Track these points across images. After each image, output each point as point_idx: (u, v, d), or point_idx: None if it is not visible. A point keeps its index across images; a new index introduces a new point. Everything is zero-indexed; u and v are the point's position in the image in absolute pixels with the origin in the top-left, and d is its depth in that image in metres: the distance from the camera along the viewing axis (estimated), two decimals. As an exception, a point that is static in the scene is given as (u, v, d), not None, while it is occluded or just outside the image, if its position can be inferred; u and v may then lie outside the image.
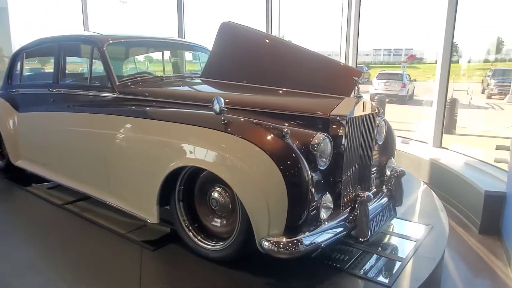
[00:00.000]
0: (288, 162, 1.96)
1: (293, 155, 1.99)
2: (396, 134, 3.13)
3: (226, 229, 2.32)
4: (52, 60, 3.46)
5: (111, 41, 3.04)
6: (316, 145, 2.07)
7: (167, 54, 4.00)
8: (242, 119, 2.20)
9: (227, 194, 2.26)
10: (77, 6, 7.24)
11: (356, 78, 2.47)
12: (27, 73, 4.31)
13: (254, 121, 2.18)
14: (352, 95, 2.48)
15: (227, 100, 2.23)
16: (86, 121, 3.02)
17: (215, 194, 2.29)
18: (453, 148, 4.74)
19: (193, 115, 2.38)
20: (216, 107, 2.10)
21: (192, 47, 4.00)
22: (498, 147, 3.91)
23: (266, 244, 1.93)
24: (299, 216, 1.99)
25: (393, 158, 2.94)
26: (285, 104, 2.56)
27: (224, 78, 3.04)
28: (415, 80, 21.67)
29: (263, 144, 2.00)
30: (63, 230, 2.91)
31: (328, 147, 2.16)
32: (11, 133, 3.94)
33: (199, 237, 2.38)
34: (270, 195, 1.95)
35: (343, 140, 2.27)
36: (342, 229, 2.19)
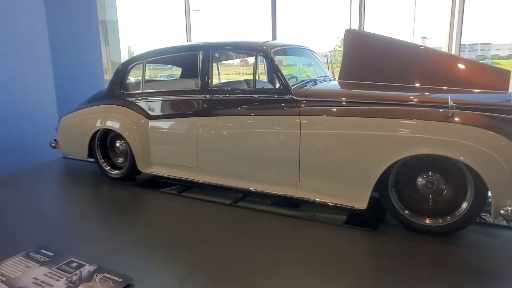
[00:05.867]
0: None
1: None
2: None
3: (443, 206, 2.64)
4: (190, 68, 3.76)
5: (275, 49, 3.34)
6: None
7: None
8: (471, 113, 2.49)
9: (442, 178, 2.64)
10: (180, 19, 7.78)
11: None
12: (148, 82, 4.22)
13: (478, 113, 2.48)
14: None
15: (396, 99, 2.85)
16: (266, 123, 3.18)
17: (431, 179, 2.66)
18: None
19: (423, 112, 2.63)
20: (451, 103, 2.54)
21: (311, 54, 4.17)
22: None
23: (503, 212, 2.33)
24: None
25: None
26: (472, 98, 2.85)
27: (361, 79, 3.32)
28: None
29: (500, 130, 2.36)
30: (265, 230, 2.87)
31: None
32: (142, 140, 3.87)
33: (440, 219, 2.64)
34: None
35: None
36: None
